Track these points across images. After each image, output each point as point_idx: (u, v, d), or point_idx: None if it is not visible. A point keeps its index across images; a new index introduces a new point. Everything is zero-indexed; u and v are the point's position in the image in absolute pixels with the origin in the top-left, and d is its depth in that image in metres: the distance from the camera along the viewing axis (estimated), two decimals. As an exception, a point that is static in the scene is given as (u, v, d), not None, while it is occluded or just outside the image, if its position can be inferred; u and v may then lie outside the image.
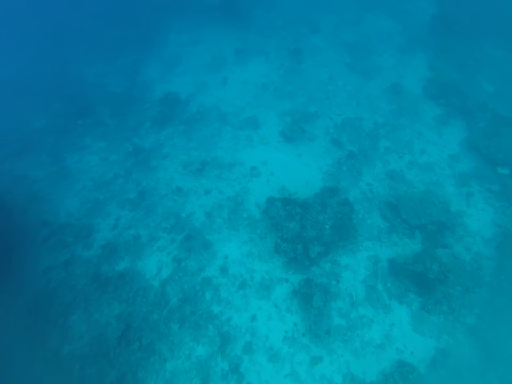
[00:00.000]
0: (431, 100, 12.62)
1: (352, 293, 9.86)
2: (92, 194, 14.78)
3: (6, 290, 12.11)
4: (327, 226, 10.78)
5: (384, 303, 9.57)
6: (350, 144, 12.99)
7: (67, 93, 20.75)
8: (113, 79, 20.54)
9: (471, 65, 13.66)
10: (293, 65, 16.28)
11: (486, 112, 11.76)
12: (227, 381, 9.24)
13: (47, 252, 13.52)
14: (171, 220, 12.60)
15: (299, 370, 9.09)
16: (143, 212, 13.20)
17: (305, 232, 10.63)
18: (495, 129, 11.24)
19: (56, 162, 16.79)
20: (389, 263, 10.10)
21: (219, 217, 12.17)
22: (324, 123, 14.01)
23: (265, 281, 10.64)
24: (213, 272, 11.15)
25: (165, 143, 14.79)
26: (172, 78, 17.59)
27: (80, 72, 22.13)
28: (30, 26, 29.96)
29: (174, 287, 11.09)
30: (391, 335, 9.10)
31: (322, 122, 14.06)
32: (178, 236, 12.13)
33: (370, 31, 17.70)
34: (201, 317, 10.31)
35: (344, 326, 9.44)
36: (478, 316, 9.04)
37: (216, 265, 11.29)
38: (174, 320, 10.42)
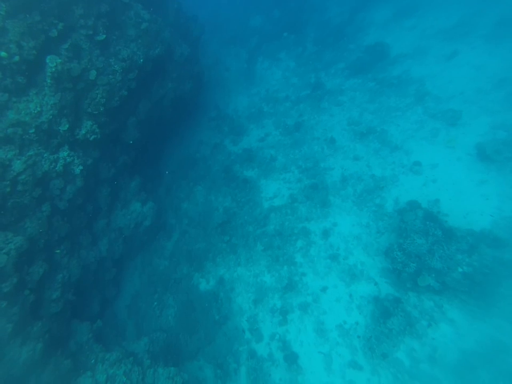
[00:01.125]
0: None
1: (439, 349, 8.47)
2: (260, 102, 16.07)
3: (176, 139, 15.39)
4: (460, 270, 8.95)
5: (472, 387, 7.89)
6: None
7: (288, 5, 21.41)
8: (335, 6, 19.78)
9: None
10: None
11: None
12: (272, 316, 10.06)
13: (207, 129, 16.13)
14: (309, 163, 12.79)
15: (334, 360, 9.01)
16: (291, 141, 13.75)
17: (430, 258, 9.17)
18: None
19: (250, 60, 18.56)
20: None
21: (352, 187, 11.61)
22: (547, 163, 10.45)
23: (355, 270, 10.16)
24: (315, 229, 11.26)
25: (345, 92, 14.13)
26: (394, 28, 15.65)
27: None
28: None
29: (277, 218, 11.85)
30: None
31: (544, 160, 10.51)
32: (307, 180, 12.36)
33: None
34: (283, 255, 10.96)
35: (406, 366, 8.47)
36: None
37: (322, 225, 11.29)
38: (262, 242, 11.44)
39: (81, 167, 9.26)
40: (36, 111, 8.16)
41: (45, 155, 8.45)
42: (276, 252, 11.13)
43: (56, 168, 8.70)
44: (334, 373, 8.79)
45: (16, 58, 7.71)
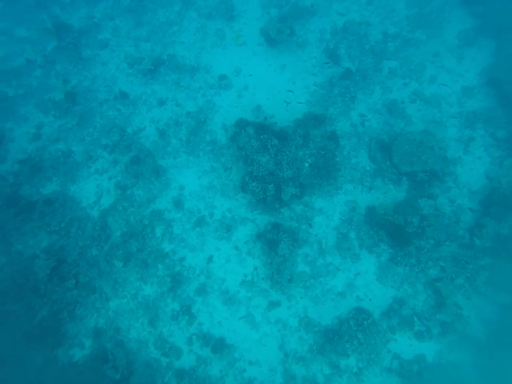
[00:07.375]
0: (464, 5, 9.57)
1: (322, 240, 8.89)
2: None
3: None
4: (307, 164, 9.00)
5: (354, 252, 8.81)
6: (349, 59, 10.18)
7: None
8: None
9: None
10: None
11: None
12: (177, 322, 8.58)
13: None
14: (114, 136, 9.85)
15: (255, 314, 8.58)
16: (75, 120, 10.12)
17: (280, 170, 8.81)
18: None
19: None
20: (367, 211, 9.00)
21: (175, 137, 9.70)
22: (320, 24, 10.65)
23: (227, 220, 9.20)
24: (165, 205, 9.38)
25: (102, 24, 10.62)
26: None
27: None
28: None
29: (118, 219, 9.29)
30: (354, 284, 8.64)
31: (318, 22, 10.66)
32: (123, 157, 9.68)
33: None
34: (149, 255, 8.95)
35: (308, 273, 8.73)
36: (441, 268, 8.72)
37: (169, 196, 9.45)
38: (117, 257, 8.96)
39: None
40: None
41: None
42: (139, 257, 8.99)
43: None
44: (261, 325, 8.44)
45: None
